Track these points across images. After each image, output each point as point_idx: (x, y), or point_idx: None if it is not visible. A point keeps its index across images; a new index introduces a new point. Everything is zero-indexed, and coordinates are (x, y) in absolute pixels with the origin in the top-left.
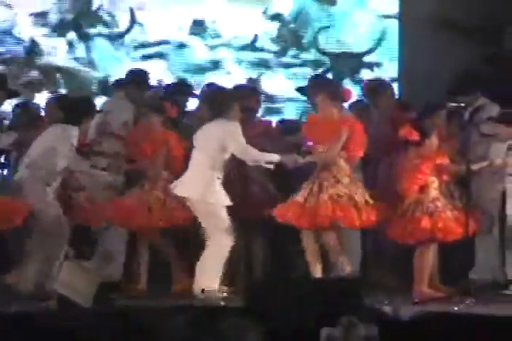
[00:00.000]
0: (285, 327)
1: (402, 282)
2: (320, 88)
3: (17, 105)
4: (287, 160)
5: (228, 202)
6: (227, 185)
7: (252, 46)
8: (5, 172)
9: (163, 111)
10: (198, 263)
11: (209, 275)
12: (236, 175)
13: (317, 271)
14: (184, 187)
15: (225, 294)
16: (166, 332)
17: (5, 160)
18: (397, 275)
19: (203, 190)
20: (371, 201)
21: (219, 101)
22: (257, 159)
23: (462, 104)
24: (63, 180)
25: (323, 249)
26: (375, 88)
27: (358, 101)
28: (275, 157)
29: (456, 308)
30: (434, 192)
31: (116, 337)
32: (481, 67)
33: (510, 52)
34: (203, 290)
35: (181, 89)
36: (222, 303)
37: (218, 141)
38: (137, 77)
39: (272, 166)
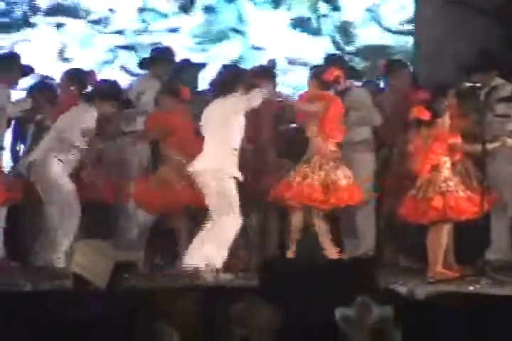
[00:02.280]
0: (299, 308)
1: (416, 262)
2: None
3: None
4: (268, 94)
5: (240, 176)
6: (243, 163)
7: None
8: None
9: (177, 94)
10: (193, 242)
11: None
12: (252, 153)
13: (331, 252)
14: (199, 162)
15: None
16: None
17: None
18: (412, 255)
19: (217, 162)
20: (350, 181)
21: (227, 81)
22: (249, 104)
23: (478, 84)
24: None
25: (335, 229)
26: (391, 67)
27: (369, 81)
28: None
29: (471, 288)
30: (446, 171)
31: (129, 316)
32: (497, 47)
33: None
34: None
35: (190, 68)
36: (236, 283)
37: (223, 113)
38: (162, 55)
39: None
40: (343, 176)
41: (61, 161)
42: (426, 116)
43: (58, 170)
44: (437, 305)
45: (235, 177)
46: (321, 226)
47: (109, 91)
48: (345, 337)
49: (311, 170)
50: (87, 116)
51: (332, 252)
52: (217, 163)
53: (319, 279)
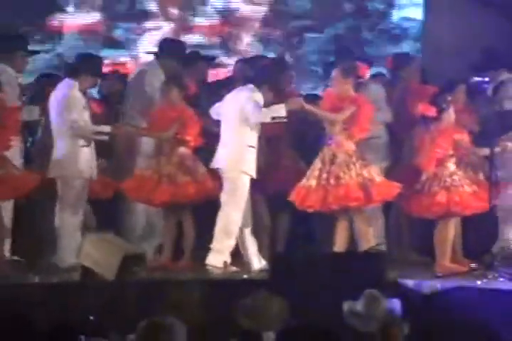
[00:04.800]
0: (308, 300)
1: (424, 256)
2: (335, 65)
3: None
4: (292, 105)
5: (254, 174)
6: (259, 158)
7: None
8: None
9: (183, 87)
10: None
11: (214, 249)
12: (268, 149)
13: (341, 246)
14: (219, 159)
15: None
16: (189, 304)
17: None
18: (420, 249)
19: (234, 158)
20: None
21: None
22: (265, 117)
23: (486, 79)
24: None
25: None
26: (402, 61)
27: (379, 74)
28: (282, 109)
29: (479, 282)
30: (452, 166)
31: (137, 308)
32: (507, 42)
33: None
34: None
35: (198, 60)
36: (245, 276)
37: (240, 106)
38: (171, 46)
39: (283, 119)
40: (375, 173)
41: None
42: (432, 111)
43: (84, 164)
44: (444, 299)
45: (249, 174)
46: (364, 223)
47: (92, 65)
48: (353, 329)
49: (342, 171)
50: (77, 94)
51: (371, 242)
52: (235, 161)
53: (328, 273)
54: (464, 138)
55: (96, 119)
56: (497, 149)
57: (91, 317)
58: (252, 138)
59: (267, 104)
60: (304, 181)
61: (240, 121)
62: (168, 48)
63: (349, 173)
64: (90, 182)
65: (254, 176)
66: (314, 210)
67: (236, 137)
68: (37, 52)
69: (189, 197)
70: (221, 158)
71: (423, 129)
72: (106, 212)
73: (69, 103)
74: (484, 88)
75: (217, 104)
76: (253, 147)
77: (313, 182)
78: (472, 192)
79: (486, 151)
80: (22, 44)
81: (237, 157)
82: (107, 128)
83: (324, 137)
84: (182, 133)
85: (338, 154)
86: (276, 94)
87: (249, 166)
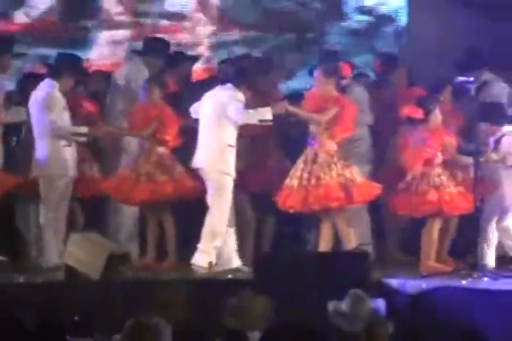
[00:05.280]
0: (293, 300)
1: (409, 256)
2: (318, 65)
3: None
4: (277, 109)
5: (234, 174)
6: (243, 156)
7: None
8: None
9: (164, 86)
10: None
11: (200, 250)
12: (253, 148)
13: (326, 246)
14: (198, 159)
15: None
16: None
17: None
18: (405, 248)
19: (213, 158)
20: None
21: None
22: (251, 119)
23: (471, 78)
24: None
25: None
26: (390, 64)
27: (362, 74)
28: (268, 112)
29: (464, 282)
30: (438, 166)
31: (123, 308)
32: (490, 42)
33: None
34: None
35: (183, 60)
36: (230, 276)
37: (220, 105)
38: (156, 45)
39: (269, 123)
40: (356, 173)
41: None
42: (418, 113)
43: (66, 163)
44: (429, 298)
45: (230, 174)
46: (345, 223)
47: (73, 65)
48: (338, 329)
49: (323, 171)
50: (57, 94)
51: (352, 243)
52: (215, 161)
53: (313, 272)
54: (452, 141)
55: (90, 118)
56: (481, 159)
57: (76, 318)
58: (231, 137)
59: (247, 105)
60: (287, 181)
61: (219, 120)
62: (153, 47)
63: (330, 173)
64: (79, 181)
65: (234, 176)
66: (295, 211)
67: (215, 136)
68: (23, 54)
69: (167, 196)
70: (201, 158)
71: (408, 130)
72: (94, 212)
73: (49, 103)
74: (469, 88)
75: (196, 103)
76: (232, 146)
77: (295, 183)
78: (459, 192)
79: (468, 160)
80: (9, 46)
81: (217, 157)
82: (84, 129)
83: (308, 137)
84: (161, 133)
85: (320, 154)
86: (259, 95)
87: (229, 166)
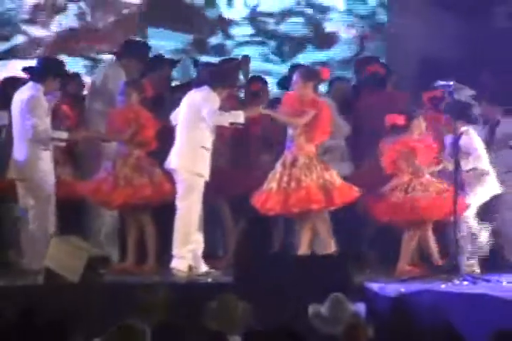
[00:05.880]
0: (274, 304)
1: (388, 259)
2: (296, 68)
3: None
4: (251, 112)
5: (207, 176)
6: (219, 160)
7: None
8: None
9: (142, 89)
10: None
11: (176, 255)
12: (232, 151)
13: (306, 249)
14: (171, 159)
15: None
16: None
17: None
18: (384, 252)
19: (185, 159)
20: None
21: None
22: (223, 121)
23: (451, 82)
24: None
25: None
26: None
27: (340, 78)
28: (240, 115)
29: (443, 286)
30: (426, 173)
31: (103, 311)
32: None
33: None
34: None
35: (162, 64)
36: (210, 280)
37: (195, 107)
38: (137, 49)
39: (240, 126)
40: (336, 176)
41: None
42: (400, 120)
43: (46, 166)
44: (408, 302)
45: (202, 176)
46: (325, 225)
47: (57, 68)
48: (319, 333)
49: (303, 173)
50: (42, 98)
51: (333, 246)
52: (187, 161)
53: (293, 276)
54: (446, 165)
55: (68, 122)
56: (438, 167)
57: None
58: (206, 139)
59: (223, 108)
60: (265, 185)
61: (194, 121)
62: (132, 50)
63: (310, 176)
64: (61, 184)
65: (207, 178)
66: (275, 213)
67: (189, 138)
68: None
69: (146, 199)
70: (173, 159)
71: (393, 138)
72: (73, 215)
73: (33, 106)
74: (450, 92)
75: (176, 110)
76: (206, 148)
77: (274, 186)
78: (443, 198)
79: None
80: None
81: (190, 158)
82: (64, 135)
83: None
84: (139, 136)
85: (299, 157)
86: (235, 97)
87: (201, 167)
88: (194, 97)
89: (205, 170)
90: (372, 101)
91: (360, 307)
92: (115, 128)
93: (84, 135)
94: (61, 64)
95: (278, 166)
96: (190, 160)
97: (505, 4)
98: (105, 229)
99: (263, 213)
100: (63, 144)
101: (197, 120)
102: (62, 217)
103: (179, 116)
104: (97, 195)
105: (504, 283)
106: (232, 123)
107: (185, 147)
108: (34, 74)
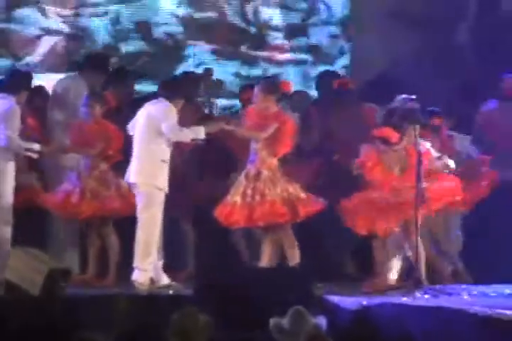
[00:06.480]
0: (235, 316)
1: (351, 272)
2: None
3: None
4: (212, 128)
5: (166, 189)
6: (180, 172)
7: None
8: None
9: (105, 102)
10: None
11: (137, 268)
12: (188, 163)
13: (268, 262)
14: (131, 173)
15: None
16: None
17: None
18: (347, 265)
19: (145, 173)
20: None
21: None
22: (184, 137)
23: (413, 96)
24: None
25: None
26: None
27: (300, 91)
28: (201, 131)
29: (404, 299)
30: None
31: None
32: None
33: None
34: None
35: (123, 75)
36: (171, 292)
37: (154, 120)
38: (96, 61)
39: (200, 141)
40: (299, 188)
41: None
42: (394, 137)
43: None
44: (371, 315)
45: (162, 189)
46: (289, 238)
47: (26, 81)
48: None
49: (267, 187)
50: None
51: (297, 258)
52: (147, 176)
53: (255, 289)
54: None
55: (33, 134)
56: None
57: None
58: (164, 152)
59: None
60: (228, 198)
61: (152, 135)
62: (93, 62)
63: (274, 190)
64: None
65: (166, 191)
66: (239, 227)
67: (147, 151)
68: None
69: (114, 211)
70: (133, 173)
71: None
72: (35, 225)
73: (10, 117)
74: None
75: (133, 120)
76: (165, 161)
77: (238, 199)
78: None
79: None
80: None
81: (149, 171)
82: (36, 146)
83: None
84: (107, 149)
85: (262, 170)
86: (193, 109)
87: (162, 181)
88: (151, 110)
89: (164, 183)
90: (341, 115)
91: (322, 321)
92: (82, 141)
93: (56, 147)
94: (30, 76)
95: (241, 179)
96: (150, 174)
97: (465, 20)
98: (66, 241)
99: (226, 226)
100: (35, 156)
101: (155, 134)
102: (24, 225)
103: (136, 129)
104: (64, 207)
105: (465, 297)
106: (192, 140)
107: (144, 161)
108: (7, 86)
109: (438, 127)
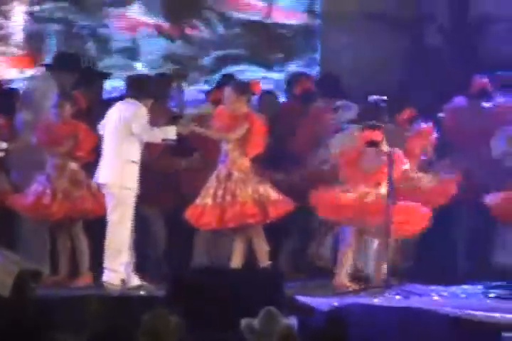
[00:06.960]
0: (206, 317)
1: (323, 273)
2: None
3: None
4: (183, 129)
5: (136, 189)
6: (153, 173)
7: None
8: None
9: (76, 102)
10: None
11: (108, 268)
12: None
13: (239, 262)
14: (100, 173)
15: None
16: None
17: None
18: (319, 266)
19: (115, 173)
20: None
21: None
22: (155, 137)
23: (384, 97)
24: None
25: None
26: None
27: (269, 92)
28: (172, 131)
29: (376, 300)
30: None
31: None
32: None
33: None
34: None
35: (94, 76)
36: (142, 293)
37: (124, 121)
38: (67, 61)
39: (172, 142)
40: (270, 189)
41: None
42: (379, 137)
43: None
44: (342, 316)
45: (132, 189)
46: (260, 239)
47: None
48: None
49: (238, 188)
50: None
51: (267, 259)
52: (117, 176)
53: (226, 289)
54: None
55: (1, 133)
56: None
57: None
58: (135, 152)
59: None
60: (198, 199)
61: (123, 135)
62: (63, 62)
63: (245, 190)
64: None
65: (136, 191)
66: (211, 228)
67: (117, 151)
68: None
69: (85, 212)
70: (102, 173)
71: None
72: (4, 225)
73: None
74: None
75: (103, 120)
76: (135, 162)
77: (208, 201)
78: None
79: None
80: None
81: (119, 172)
82: (3, 145)
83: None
84: (78, 149)
85: (234, 171)
86: (162, 109)
87: (132, 181)
88: (121, 110)
89: (134, 183)
90: (303, 115)
91: (293, 321)
92: (50, 140)
93: (24, 145)
94: None
95: (212, 180)
96: (120, 175)
97: (434, 21)
98: (37, 241)
99: (197, 227)
100: (2, 154)
101: (126, 134)
102: None
103: (106, 129)
104: (35, 209)
105: (435, 297)
106: (163, 140)
107: (114, 161)
108: None
109: (412, 119)
